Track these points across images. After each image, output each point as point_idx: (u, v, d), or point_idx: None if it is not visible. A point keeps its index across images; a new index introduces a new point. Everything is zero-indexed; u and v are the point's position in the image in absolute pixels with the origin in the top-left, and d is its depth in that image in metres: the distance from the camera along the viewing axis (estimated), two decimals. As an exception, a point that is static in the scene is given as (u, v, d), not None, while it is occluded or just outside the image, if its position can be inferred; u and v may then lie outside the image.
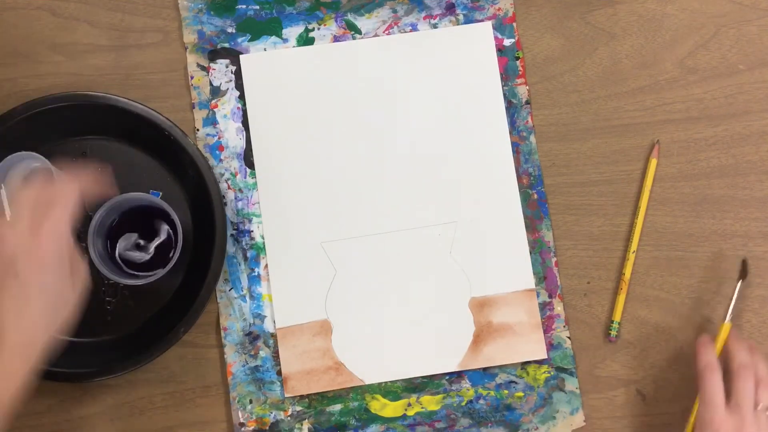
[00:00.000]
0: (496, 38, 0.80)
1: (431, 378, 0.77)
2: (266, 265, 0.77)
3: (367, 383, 0.76)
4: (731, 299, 0.74)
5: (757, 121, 0.80)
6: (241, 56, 0.79)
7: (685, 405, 0.76)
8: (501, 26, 0.80)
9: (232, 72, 0.79)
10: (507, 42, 0.80)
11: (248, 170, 0.78)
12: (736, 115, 0.80)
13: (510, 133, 0.79)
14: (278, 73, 0.79)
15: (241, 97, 0.79)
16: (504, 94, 0.79)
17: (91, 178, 0.63)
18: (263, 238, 0.77)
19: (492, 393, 0.77)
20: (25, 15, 0.80)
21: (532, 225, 0.78)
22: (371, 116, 0.79)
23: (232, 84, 0.79)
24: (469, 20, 0.80)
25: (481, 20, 0.80)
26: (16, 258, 0.55)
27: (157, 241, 0.73)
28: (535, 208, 0.78)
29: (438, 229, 0.78)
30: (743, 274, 0.76)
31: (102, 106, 0.76)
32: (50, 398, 0.76)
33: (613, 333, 0.77)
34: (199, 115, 0.79)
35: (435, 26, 0.80)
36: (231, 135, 0.79)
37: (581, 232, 0.79)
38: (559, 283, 0.77)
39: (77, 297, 0.59)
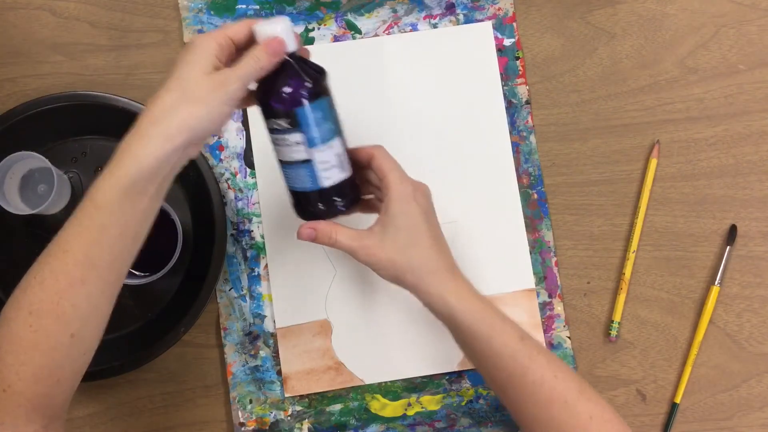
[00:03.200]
0: (496, 38, 0.80)
1: (431, 378, 0.77)
2: (266, 265, 0.77)
3: (367, 383, 0.76)
4: (720, 263, 0.77)
5: (757, 121, 0.80)
6: (241, 56, 0.79)
7: (685, 405, 0.77)
8: (501, 26, 0.80)
9: (232, 72, 0.79)
10: (507, 42, 0.80)
11: (248, 170, 0.78)
12: (736, 115, 0.80)
13: (510, 133, 0.79)
14: (278, 73, 0.79)
15: (241, 97, 0.79)
16: (504, 94, 0.79)
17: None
18: (263, 238, 0.77)
19: (492, 393, 0.77)
20: (25, 15, 0.80)
21: (532, 225, 0.78)
22: (371, 116, 0.79)
23: (232, 84, 0.79)
24: (469, 20, 0.80)
25: (481, 20, 0.80)
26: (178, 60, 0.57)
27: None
28: (535, 208, 0.78)
29: (438, 229, 0.78)
30: (731, 239, 0.77)
31: (102, 106, 0.76)
32: (50, 398, 0.76)
33: (613, 333, 0.77)
34: (199, 115, 0.78)
35: (435, 26, 0.80)
36: (231, 135, 0.79)
37: (581, 232, 0.79)
38: (559, 283, 0.77)
39: (216, 102, 0.55)
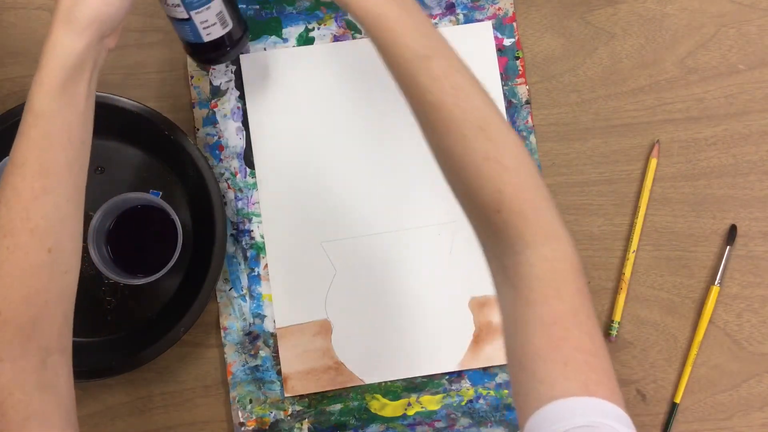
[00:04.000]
0: (496, 38, 0.80)
1: (431, 378, 0.77)
2: (266, 265, 0.77)
3: (367, 383, 0.76)
4: (720, 264, 0.77)
5: (757, 121, 0.80)
6: (240, 56, 0.79)
7: (685, 405, 0.77)
8: (501, 26, 0.80)
9: (232, 72, 0.79)
10: (507, 42, 0.80)
11: (248, 170, 0.78)
12: (736, 115, 0.80)
13: (510, 133, 0.79)
14: (278, 73, 0.79)
15: (241, 97, 0.79)
16: (504, 94, 0.79)
17: None
18: (263, 238, 0.77)
19: (492, 393, 0.77)
20: (25, 15, 0.80)
21: (532, 225, 0.78)
22: (371, 116, 0.79)
23: (232, 84, 0.79)
24: (469, 20, 0.80)
25: (481, 20, 0.80)
26: None
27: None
28: (535, 208, 0.78)
29: (438, 229, 0.78)
30: (731, 239, 0.77)
31: (102, 106, 0.75)
32: (50, 398, 0.76)
33: (613, 333, 0.77)
34: (199, 114, 0.79)
35: (435, 26, 0.80)
36: (231, 135, 0.79)
37: (581, 232, 0.79)
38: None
39: None
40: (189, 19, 0.65)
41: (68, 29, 0.54)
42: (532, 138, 0.79)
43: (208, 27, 0.66)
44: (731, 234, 0.77)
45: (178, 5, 0.64)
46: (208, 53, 0.69)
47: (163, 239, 0.73)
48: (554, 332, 0.50)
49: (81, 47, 0.54)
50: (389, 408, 0.77)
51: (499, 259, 0.54)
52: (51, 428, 0.53)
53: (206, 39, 0.67)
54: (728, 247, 0.77)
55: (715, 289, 0.77)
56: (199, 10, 0.64)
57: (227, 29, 0.67)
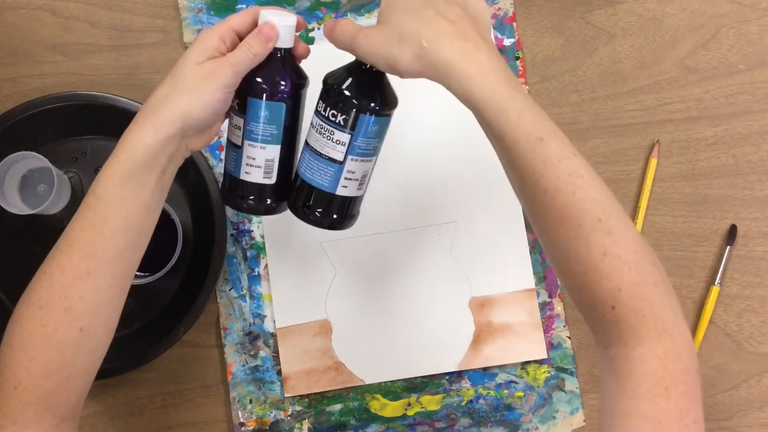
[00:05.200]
0: (496, 38, 0.80)
1: (431, 378, 0.77)
2: (266, 265, 0.77)
3: (367, 383, 0.76)
4: (720, 264, 0.77)
5: (757, 121, 0.80)
6: (241, 56, 0.79)
7: (685, 405, 0.77)
8: (501, 26, 0.80)
9: (232, 72, 0.79)
10: (507, 42, 0.80)
11: (248, 170, 0.78)
12: (736, 115, 0.80)
13: (510, 133, 0.79)
14: (278, 73, 0.79)
15: (241, 97, 0.79)
16: (504, 94, 0.79)
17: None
18: (263, 238, 0.77)
19: (492, 393, 0.77)
20: (25, 15, 0.80)
21: (532, 225, 0.78)
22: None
23: (232, 84, 0.79)
24: (469, 20, 0.80)
25: (481, 20, 0.80)
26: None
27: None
28: (535, 208, 0.78)
29: (438, 229, 0.78)
30: (731, 239, 0.77)
31: (102, 106, 0.76)
32: (50, 398, 0.76)
33: (613, 333, 0.77)
34: (199, 115, 0.78)
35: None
36: (231, 135, 0.78)
37: (581, 232, 0.79)
38: (559, 283, 0.77)
39: (207, 90, 0.55)
40: (240, 147, 0.60)
41: (148, 122, 0.55)
42: (532, 138, 0.79)
43: (251, 166, 0.60)
44: (731, 234, 0.77)
45: (239, 128, 0.59)
46: (241, 192, 0.61)
47: (163, 239, 0.73)
48: (658, 430, 0.49)
49: (155, 141, 0.54)
50: (389, 408, 0.77)
51: (608, 348, 0.52)
52: None
53: (243, 177, 0.61)
54: (728, 247, 0.77)
55: (715, 289, 0.77)
56: (253, 144, 0.59)
57: (269, 181, 0.61)
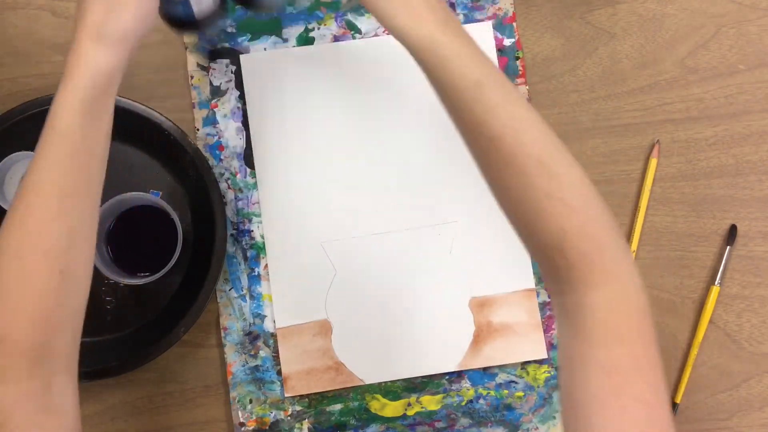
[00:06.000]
0: (496, 38, 0.80)
1: (431, 378, 0.77)
2: (266, 265, 0.77)
3: (367, 383, 0.76)
4: (720, 264, 0.77)
5: (757, 121, 0.80)
6: (241, 56, 0.79)
7: (685, 405, 0.77)
8: (501, 26, 0.80)
9: (232, 72, 0.79)
10: (507, 42, 0.80)
11: (248, 170, 0.78)
12: (736, 115, 0.80)
13: (510, 133, 0.79)
14: (278, 73, 0.79)
15: (241, 97, 0.79)
16: (504, 94, 0.79)
17: None
18: (263, 238, 0.77)
19: (492, 393, 0.77)
20: (25, 15, 0.80)
21: (532, 225, 0.78)
22: (371, 116, 0.79)
23: (232, 84, 0.79)
24: (469, 20, 0.80)
25: (481, 20, 0.80)
26: None
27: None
28: (535, 208, 0.78)
29: (438, 229, 0.78)
30: (731, 239, 0.77)
31: (102, 106, 0.75)
32: (50, 398, 0.76)
33: (613, 333, 0.77)
34: (199, 114, 0.79)
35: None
36: (231, 135, 0.79)
37: (581, 232, 0.79)
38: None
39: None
40: None
41: (99, 44, 0.53)
42: (532, 138, 0.79)
43: None
44: (731, 234, 0.77)
45: None
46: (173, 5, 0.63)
47: (163, 239, 0.73)
48: (614, 379, 0.48)
49: (113, 63, 0.53)
50: (389, 408, 0.77)
51: (561, 296, 0.52)
52: None
53: None
54: (728, 247, 0.77)
55: (715, 289, 0.77)
56: None
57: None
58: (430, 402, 0.77)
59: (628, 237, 0.78)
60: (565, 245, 0.50)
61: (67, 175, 0.53)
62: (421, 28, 0.52)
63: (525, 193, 0.51)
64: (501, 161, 0.51)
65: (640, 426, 0.46)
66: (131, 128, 0.76)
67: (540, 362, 0.77)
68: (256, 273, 0.77)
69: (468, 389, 0.77)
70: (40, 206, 0.52)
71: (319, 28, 0.80)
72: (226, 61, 0.79)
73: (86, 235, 0.55)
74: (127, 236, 0.75)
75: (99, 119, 0.54)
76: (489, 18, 0.80)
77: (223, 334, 0.76)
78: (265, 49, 0.79)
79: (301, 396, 0.76)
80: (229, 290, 0.77)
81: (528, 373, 0.77)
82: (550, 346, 0.77)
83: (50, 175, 0.52)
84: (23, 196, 0.53)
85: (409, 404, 0.77)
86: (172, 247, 0.72)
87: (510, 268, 0.77)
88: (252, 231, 0.78)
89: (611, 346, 0.49)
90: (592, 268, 0.50)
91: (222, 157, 0.78)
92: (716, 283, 0.77)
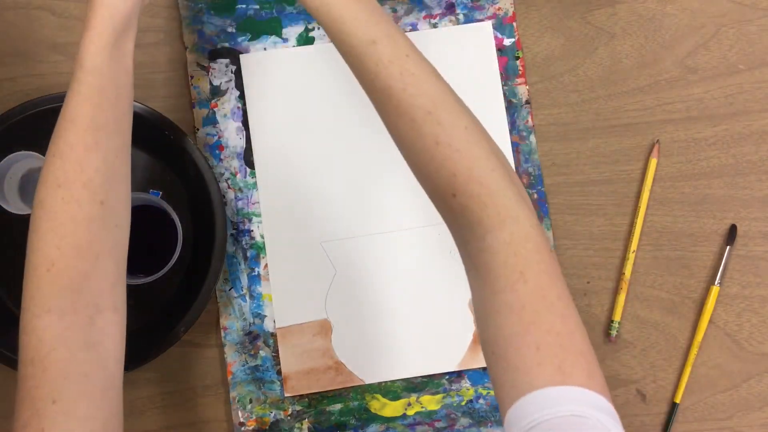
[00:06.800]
0: (496, 38, 0.80)
1: (431, 378, 0.77)
2: (266, 265, 0.77)
3: (367, 383, 0.76)
4: (720, 264, 0.77)
5: (757, 121, 0.80)
6: (241, 56, 0.79)
7: (685, 405, 0.77)
8: (501, 26, 0.80)
9: (232, 71, 0.79)
10: (507, 42, 0.80)
11: (248, 170, 0.78)
12: (736, 115, 0.80)
13: (510, 132, 0.79)
14: (278, 72, 0.79)
15: (241, 97, 0.79)
16: (504, 94, 0.79)
17: None
18: (263, 238, 0.77)
19: (492, 393, 0.77)
20: (25, 15, 0.80)
21: (532, 225, 0.78)
22: (371, 116, 0.79)
23: (232, 83, 0.79)
24: (469, 20, 0.80)
25: (481, 20, 0.80)
26: None
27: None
28: (535, 208, 0.78)
29: (438, 229, 0.78)
30: (731, 239, 0.77)
31: (102, 106, 0.75)
32: (50, 398, 0.76)
33: (613, 333, 0.77)
34: (199, 114, 0.79)
35: (435, 26, 0.80)
36: (231, 135, 0.79)
37: (581, 232, 0.79)
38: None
39: None
40: None
41: None
42: (532, 138, 0.79)
43: None
44: (731, 234, 0.77)
45: None
46: None
47: (163, 239, 0.73)
48: (523, 317, 0.49)
49: (129, 6, 0.56)
50: (389, 408, 0.77)
51: (464, 246, 0.53)
52: (91, 389, 0.53)
53: None
54: (728, 247, 0.77)
55: (715, 289, 0.77)
56: None
57: None
58: (430, 402, 0.77)
59: (628, 237, 0.78)
60: (457, 189, 0.52)
61: (98, 109, 0.56)
62: None
63: (417, 142, 0.54)
64: (393, 112, 0.55)
65: (557, 357, 0.47)
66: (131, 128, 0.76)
67: (540, 362, 0.77)
68: (256, 273, 0.77)
69: (468, 389, 0.77)
70: (78, 139, 0.55)
71: (319, 28, 0.80)
72: (226, 61, 0.79)
73: (121, 168, 0.58)
74: (127, 236, 0.75)
75: (123, 58, 0.57)
76: (489, 18, 0.80)
77: (223, 334, 0.76)
78: (265, 49, 0.79)
79: (301, 396, 0.76)
80: (229, 290, 0.77)
81: (528, 373, 0.77)
82: (550, 346, 0.77)
83: (83, 109, 0.55)
84: (60, 130, 0.56)
85: (409, 404, 0.77)
86: (172, 247, 0.72)
87: (510, 268, 0.77)
88: (252, 231, 0.78)
89: (515, 285, 0.49)
90: (485, 211, 0.51)
91: (222, 157, 0.78)
92: (716, 283, 0.77)
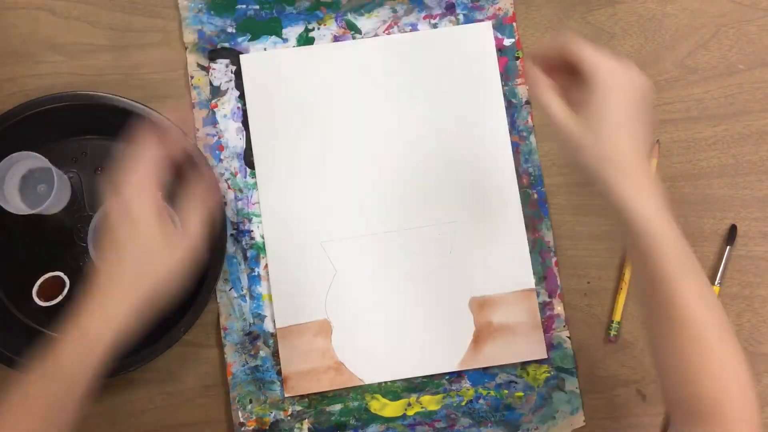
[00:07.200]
0: (496, 38, 0.80)
1: (431, 378, 0.77)
2: (266, 265, 0.77)
3: (367, 383, 0.76)
4: (720, 264, 0.77)
5: (757, 121, 0.80)
6: (241, 56, 0.79)
7: (685, 405, 0.77)
8: (501, 26, 0.80)
9: (232, 72, 0.79)
10: (507, 42, 0.80)
11: (248, 170, 0.78)
12: (736, 115, 0.80)
13: (510, 133, 0.79)
14: (278, 73, 0.79)
15: (241, 97, 0.79)
16: (504, 94, 0.79)
17: (169, 136, 0.64)
18: (263, 238, 0.77)
19: (492, 393, 0.77)
20: (25, 15, 0.80)
21: (532, 225, 0.78)
22: (371, 116, 0.79)
23: (232, 84, 0.79)
24: (469, 20, 0.80)
25: (481, 20, 0.80)
26: (114, 220, 0.60)
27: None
28: (535, 208, 0.78)
29: (438, 229, 0.78)
30: (731, 239, 0.77)
31: (102, 106, 0.76)
32: (50, 398, 0.76)
33: (613, 333, 0.77)
34: (199, 114, 0.79)
35: (435, 26, 0.80)
36: (231, 135, 0.79)
37: (581, 232, 0.79)
38: (559, 283, 0.77)
39: (176, 263, 0.61)
40: None
41: (124, 307, 0.59)
42: (532, 138, 0.79)
43: None
44: (731, 234, 0.77)
45: None
46: None
47: (163, 239, 0.73)
48: None
49: (132, 323, 0.59)
50: (389, 408, 0.77)
51: (684, 426, 0.57)
52: None
53: None
54: (728, 247, 0.77)
55: (715, 289, 0.77)
56: None
57: None
58: (430, 402, 0.77)
59: (628, 237, 0.78)
60: (722, 412, 0.55)
61: (54, 409, 0.57)
62: (643, 207, 0.57)
63: (693, 358, 0.56)
64: (686, 337, 0.57)
65: None
66: (131, 128, 0.76)
67: (540, 362, 0.77)
68: (256, 273, 0.77)
69: (468, 389, 0.77)
70: (24, 426, 0.56)
71: (319, 28, 0.80)
72: (226, 61, 0.79)
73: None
74: (127, 236, 0.75)
75: (106, 359, 0.58)
76: (489, 18, 0.80)
77: (223, 334, 0.76)
78: (265, 49, 0.79)
79: (301, 396, 0.76)
80: (229, 290, 0.77)
81: (528, 374, 0.77)
82: (550, 347, 0.77)
83: (39, 402, 0.57)
84: (9, 401, 0.57)
85: (409, 404, 0.77)
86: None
87: (510, 268, 0.77)
88: (252, 231, 0.78)
89: None
90: (723, 419, 0.55)
91: (222, 157, 0.78)
92: (716, 283, 0.77)
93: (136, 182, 0.60)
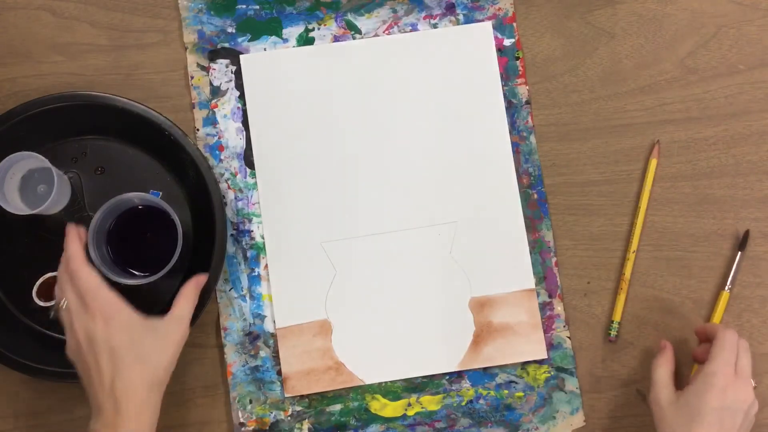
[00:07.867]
0: (496, 38, 0.80)
1: (431, 378, 0.77)
2: (266, 265, 0.77)
3: (367, 383, 0.76)
4: (731, 269, 0.77)
5: (757, 121, 0.80)
6: (241, 56, 0.79)
7: (685, 405, 0.76)
8: (501, 26, 0.80)
9: (232, 72, 0.79)
10: (507, 42, 0.80)
11: (248, 170, 0.78)
12: (736, 115, 0.80)
13: (510, 133, 0.79)
14: (278, 73, 0.79)
15: (241, 97, 0.79)
16: (504, 94, 0.79)
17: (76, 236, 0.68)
18: (263, 238, 0.77)
19: (492, 393, 0.77)
20: (25, 15, 0.80)
21: (532, 225, 0.78)
22: (371, 116, 0.79)
23: (232, 84, 0.79)
24: (469, 20, 0.80)
25: (481, 20, 0.80)
26: (88, 333, 0.64)
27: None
28: (535, 208, 0.78)
29: (438, 229, 0.78)
30: (743, 245, 0.77)
31: (102, 106, 0.76)
32: (50, 398, 0.76)
33: (613, 333, 0.77)
34: (199, 115, 0.79)
35: (435, 26, 0.80)
36: (231, 135, 0.79)
37: (581, 232, 0.79)
38: (559, 283, 0.77)
39: (170, 357, 0.66)
40: None
41: (142, 406, 0.64)
42: (532, 138, 0.79)
43: None
44: (744, 239, 0.77)
45: None
46: None
47: (163, 239, 0.73)
48: None
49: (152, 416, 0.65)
50: (389, 408, 0.77)
51: None
52: None
53: None
54: (740, 252, 0.77)
55: (724, 295, 0.76)
56: None
57: None
58: (430, 402, 0.77)
59: (629, 237, 0.78)
60: None
61: None
62: None
63: None
64: None
65: None
66: (132, 128, 0.76)
67: (540, 362, 0.77)
68: (256, 273, 0.77)
69: (468, 389, 0.77)
70: None
71: (319, 28, 0.80)
72: (226, 61, 0.79)
73: None
74: (127, 236, 0.75)
75: None
76: (489, 18, 0.80)
77: (223, 335, 0.76)
78: (265, 49, 0.79)
79: (301, 396, 0.76)
80: (229, 290, 0.77)
81: (528, 374, 0.77)
82: (550, 347, 0.77)
83: None
84: None
85: (409, 404, 0.77)
86: (172, 247, 0.72)
87: (510, 268, 0.77)
88: (252, 231, 0.78)
89: None
90: None
91: (222, 157, 0.78)
92: (726, 288, 0.76)
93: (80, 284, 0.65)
